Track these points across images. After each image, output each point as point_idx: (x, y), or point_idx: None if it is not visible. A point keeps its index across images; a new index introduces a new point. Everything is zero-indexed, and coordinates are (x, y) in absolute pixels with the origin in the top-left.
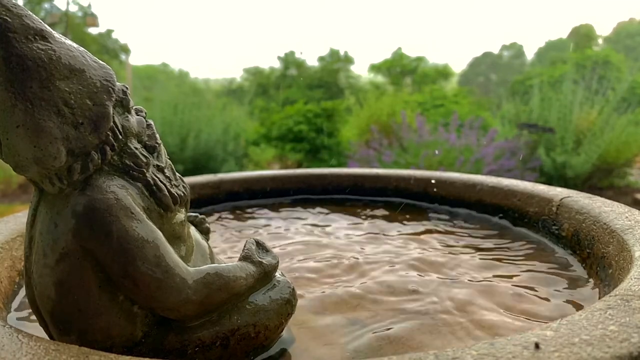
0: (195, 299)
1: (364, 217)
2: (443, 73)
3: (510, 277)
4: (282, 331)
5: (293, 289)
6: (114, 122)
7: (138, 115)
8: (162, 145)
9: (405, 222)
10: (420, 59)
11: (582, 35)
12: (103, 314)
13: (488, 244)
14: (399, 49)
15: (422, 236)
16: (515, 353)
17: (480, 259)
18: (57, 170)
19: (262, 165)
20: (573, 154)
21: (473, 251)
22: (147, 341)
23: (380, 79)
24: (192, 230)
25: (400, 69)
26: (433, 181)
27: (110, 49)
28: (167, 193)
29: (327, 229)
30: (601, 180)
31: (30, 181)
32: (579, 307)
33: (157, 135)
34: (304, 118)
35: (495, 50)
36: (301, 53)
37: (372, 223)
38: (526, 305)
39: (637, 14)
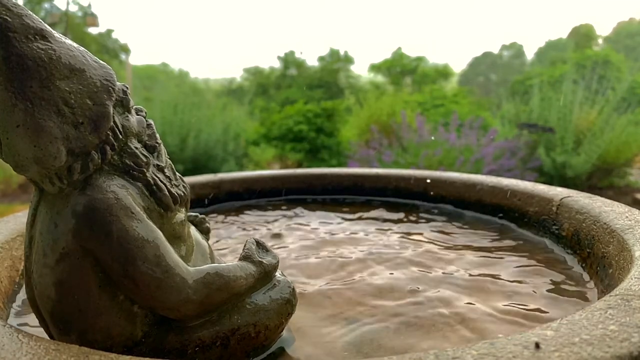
0: (196, 299)
1: (364, 216)
2: (443, 73)
3: (510, 277)
4: (282, 331)
5: (293, 289)
6: (114, 121)
7: (138, 115)
8: (162, 145)
9: (405, 222)
10: (420, 59)
11: (582, 35)
12: (103, 314)
13: (487, 243)
14: (399, 48)
15: (421, 236)
16: (516, 353)
17: (480, 258)
18: (57, 170)
19: (262, 165)
20: (573, 154)
21: (472, 251)
22: (147, 341)
23: (380, 78)
24: (192, 230)
25: (400, 69)
26: (428, 180)
27: (110, 48)
28: (167, 193)
29: (327, 229)
30: (601, 180)
31: (31, 181)
32: (579, 307)
33: (157, 135)
34: (304, 118)
35: (495, 50)
36: (301, 53)
37: (372, 223)
38: (525, 305)
39: (637, 14)
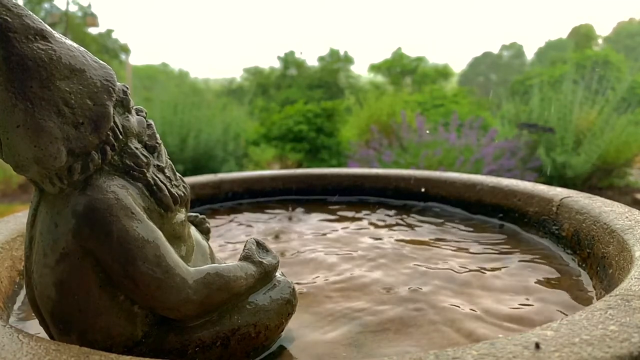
0: (196, 299)
1: (364, 216)
2: (443, 73)
3: (510, 277)
4: (282, 331)
5: (293, 289)
6: (115, 122)
7: (138, 115)
8: (162, 145)
9: (405, 222)
10: (420, 59)
11: (582, 35)
12: (103, 314)
13: (487, 243)
14: (399, 49)
15: (422, 236)
16: (516, 353)
17: (479, 258)
18: (57, 170)
19: (262, 165)
20: (573, 154)
21: (471, 250)
22: (148, 341)
23: (380, 79)
24: (193, 230)
25: (400, 69)
26: (428, 181)
27: (110, 49)
28: (167, 193)
29: (327, 229)
30: (601, 180)
31: (31, 181)
32: (579, 307)
33: (158, 135)
34: (304, 118)
35: (495, 50)
36: (301, 53)
37: (372, 223)
38: (524, 305)
39: (637, 14)
